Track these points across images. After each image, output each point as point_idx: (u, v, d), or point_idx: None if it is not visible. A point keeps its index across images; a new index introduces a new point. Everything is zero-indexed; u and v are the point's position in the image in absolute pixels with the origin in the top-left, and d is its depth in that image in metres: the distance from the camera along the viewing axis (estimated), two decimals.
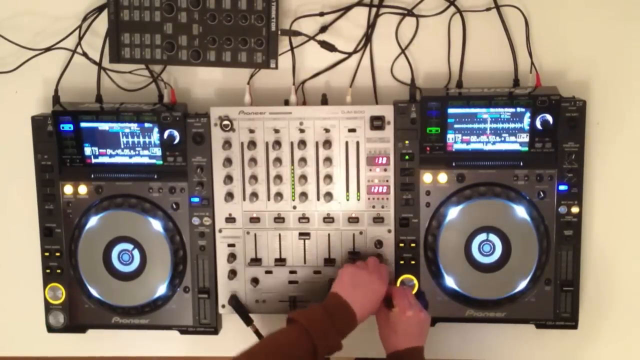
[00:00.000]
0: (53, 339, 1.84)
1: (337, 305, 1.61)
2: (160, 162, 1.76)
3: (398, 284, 1.75)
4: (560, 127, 1.68)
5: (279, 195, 1.74)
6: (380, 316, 1.68)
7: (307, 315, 1.59)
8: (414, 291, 1.74)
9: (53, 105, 1.77)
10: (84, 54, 1.79)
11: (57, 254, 1.78)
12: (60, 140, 1.75)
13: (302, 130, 1.72)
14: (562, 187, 1.70)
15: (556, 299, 1.72)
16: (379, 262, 1.71)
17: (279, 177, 1.74)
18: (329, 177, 1.73)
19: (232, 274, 1.77)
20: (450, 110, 1.69)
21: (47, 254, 1.78)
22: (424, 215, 1.73)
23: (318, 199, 1.74)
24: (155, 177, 1.75)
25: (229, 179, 1.74)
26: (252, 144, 1.73)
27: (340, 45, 1.73)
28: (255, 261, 1.77)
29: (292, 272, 1.77)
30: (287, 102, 1.76)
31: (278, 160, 1.73)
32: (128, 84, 1.81)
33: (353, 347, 1.68)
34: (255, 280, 1.77)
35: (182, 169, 1.75)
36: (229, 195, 1.75)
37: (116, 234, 1.75)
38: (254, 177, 1.74)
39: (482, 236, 1.70)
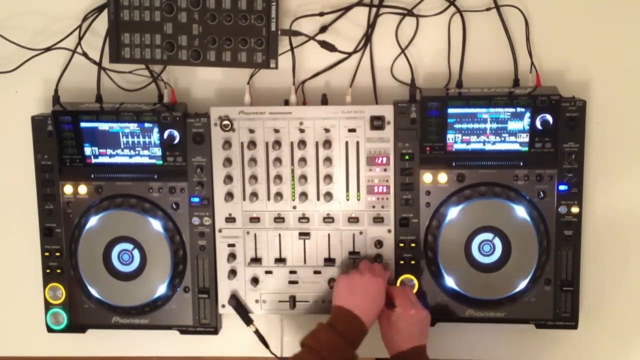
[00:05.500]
0: (53, 339, 1.84)
1: (340, 317, 1.62)
2: (160, 162, 1.76)
3: (398, 284, 1.75)
4: (560, 127, 1.68)
5: (279, 195, 1.74)
6: (382, 317, 1.68)
7: (313, 335, 1.60)
8: (415, 291, 1.74)
9: (53, 105, 1.77)
10: (84, 54, 1.79)
11: (57, 254, 1.78)
12: (60, 140, 1.75)
13: (302, 130, 1.72)
14: (562, 187, 1.70)
15: (556, 299, 1.72)
16: (369, 263, 1.71)
17: (279, 177, 1.74)
18: (329, 177, 1.73)
19: (232, 274, 1.77)
20: (450, 110, 1.70)
21: (47, 254, 1.78)
22: (424, 215, 1.73)
23: (318, 199, 1.74)
24: (155, 177, 1.75)
25: (229, 179, 1.75)
26: (252, 144, 1.73)
27: (340, 45, 1.73)
28: (255, 261, 1.77)
29: (292, 272, 1.77)
30: (287, 102, 1.76)
31: (278, 160, 1.73)
32: (128, 84, 1.81)
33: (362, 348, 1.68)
34: (255, 280, 1.77)
35: (182, 169, 1.75)
36: (229, 195, 1.75)
37: (116, 234, 1.75)
38: (254, 177, 1.74)
39: (482, 236, 1.70)
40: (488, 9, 1.74)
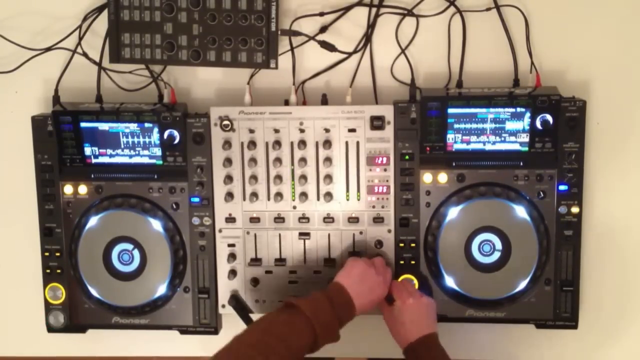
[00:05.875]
0: (53, 339, 1.84)
1: (341, 297, 1.61)
2: (160, 162, 1.76)
3: None
4: (560, 127, 1.68)
5: (279, 195, 1.74)
6: (386, 315, 1.68)
7: (313, 306, 1.57)
8: (417, 287, 1.73)
9: (53, 105, 1.77)
10: (84, 54, 1.79)
11: (57, 254, 1.78)
12: (60, 140, 1.75)
13: (302, 130, 1.72)
14: (562, 187, 1.70)
15: (556, 299, 1.72)
16: (385, 265, 1.71)
17: (279, 177, 1.74)
18: (329, 177, 1.73)
19: (232, 274, 1.77)
20: (450, 110, 1.70)
21: (47, 254, 1.78)
22: (424, 215, 1.73)
23: (318, 199, 1.74)
24: (155, 177, 1.75)
25: (229, 179, 1.75)
26: (252, 144, 1.73)
27: (340, 45, 1.73)
28: (255, 261, 1.77)
29: (292, 272, 1.76)
30: (287, 102, 1.76)
31: (278, 160, 1.73)
32: (128, 84, 1.81)
33: (360, 348, 1.68)
34: (255, 280, 1.77)
35: (182, 169, 1.75)
36: (229, 195, 1.75)
37: (116, 234, 1.75)
38: (254, 177, 1.74)
39: (482, 236, 1.70)
40: (488, 9, 1.74)
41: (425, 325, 1.65)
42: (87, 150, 1.76)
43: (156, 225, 1.74)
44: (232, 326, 1.81)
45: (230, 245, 1.76)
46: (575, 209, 1.70)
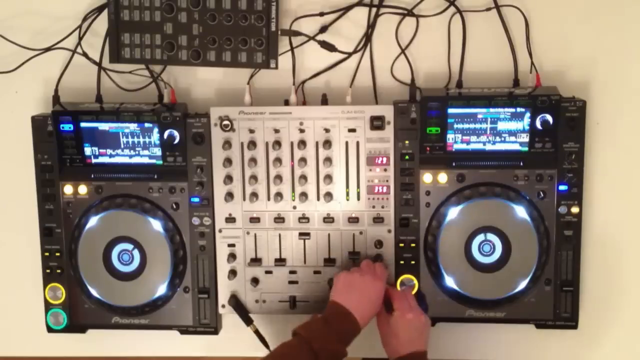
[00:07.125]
0: (53, 339, 1.84)
1: (335, 313, 1.62)
2: (160, 162, 1.76)
3: (398, 284, 1.75)
4: (560, 127, 1.68)
5: (279, 195, 1.74)
6: (381, 320, 1.68)
7: (306, 326, 1.60)
8: (414, 292, 1.74)
9: (53, 105, 1.77)
10: (84, 54, 1.79)
11: (57, 254, 1.78)
12: (60, 140, 1.75)
13: (302, 130, 1.72)
14: (562, 187, 1.70)
15: (556, 299, 1.72)
16: (372, 263, 1.71)
17: (279, 177, 1.74)
18: (329, 177, 1.73)
19: (232, 274, 1.77)
20: (450, 110, 1.70)
21: (47, 254, 1.78)
22: (424, 215, 1.73)
23: (318, 199, 1.74)
24: (155, 177, 1.75)
25: (229, 179, 1.75)
26: (252, 144, 1.73)
27: (340, 45, 1.74)
28: (255, 261, 1.77)
29: (292, 272, 1.77)
30: (287, 102, 1.76)
31: (278, 160, 1.73)
32: (128, 84, 1.81)
33: (358, 348, 1.68)
34: (255, 280, 1.77)
35: (182, 169, 1.75)
36: (229, 195, 1.75)
37: (116, 234, 1.75)
38: (254, 177, 1.74)
39: (482, 236, 1.70)
40: (488, 9, 1.74)
41: (417, 342, 1.65)
42: (87, 150, 1.76)
43: (156, 225, 1.74)
44: (232, 326, 1.82)
45: (230, 245, 1.77)
46: (575, 209, 1.70)
